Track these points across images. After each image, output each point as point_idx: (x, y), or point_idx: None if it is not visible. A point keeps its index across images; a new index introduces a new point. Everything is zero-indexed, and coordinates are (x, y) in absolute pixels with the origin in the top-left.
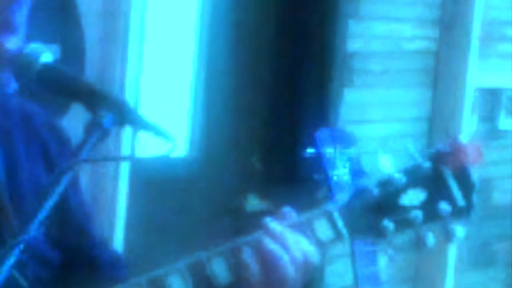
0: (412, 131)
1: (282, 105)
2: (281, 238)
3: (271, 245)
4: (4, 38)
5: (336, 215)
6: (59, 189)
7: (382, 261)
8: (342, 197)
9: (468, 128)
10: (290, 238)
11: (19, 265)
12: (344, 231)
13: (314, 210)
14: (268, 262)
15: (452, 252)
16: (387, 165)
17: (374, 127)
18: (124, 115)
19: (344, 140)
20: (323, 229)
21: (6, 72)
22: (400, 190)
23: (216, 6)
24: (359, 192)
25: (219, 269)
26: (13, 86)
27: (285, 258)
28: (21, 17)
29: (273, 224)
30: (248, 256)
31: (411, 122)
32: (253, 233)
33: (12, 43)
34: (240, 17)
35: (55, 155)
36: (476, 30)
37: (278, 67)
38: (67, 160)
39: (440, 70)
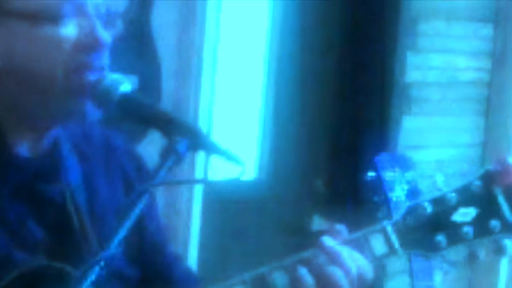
0: (466, 155)
1: (345, 131)
2: (335, 254)
3: (325, 260)
4: (85, 73)
5: (390, 230)
6: (137, 210)
7: (438, 276)
8: (397, 214)
9: None
10: (344, 254)
11: (99, 282)
12: (397, 246)
13: (369, 227)
14: (323, 277)
15: (504, 267)
16: (440, 184)
17: (431, 152)
18: (197, 141)
19: (402, 164)
20: (378, 245)
21: (89, 101)
22: (452, 207)
23: (284, 40)
24: (413, 209)
25: (280, 282)
26: (96, 115)
27: (340, 273)
28: None
29: (327, 241)
30: (304, 271)
31: (465, 147)
32: (310, 250)
33: (93, 74)
34: (306, 49)
35: (132, 178)
36: None
37: (342, 95)
38: (143, 183)
39: (492, 99)
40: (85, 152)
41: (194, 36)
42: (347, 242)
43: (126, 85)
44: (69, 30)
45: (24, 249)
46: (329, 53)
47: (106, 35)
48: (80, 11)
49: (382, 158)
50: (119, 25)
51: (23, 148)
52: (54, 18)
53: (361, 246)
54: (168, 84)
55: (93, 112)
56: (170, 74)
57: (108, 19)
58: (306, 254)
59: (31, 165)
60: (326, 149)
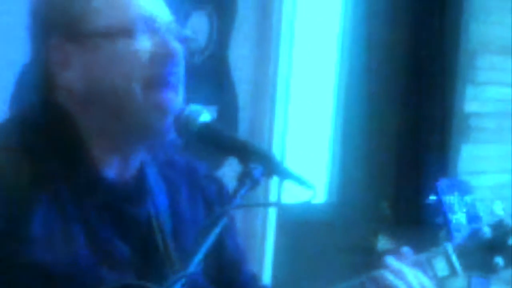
0: None
1: (409, 157)
2: (400, 273)
3: (392, 279)
4: (164, 91)
5: (452, 253)
6: (217, 231)
7: None
8: (459, 237)
9: None
10: (409, 273)
11: None
12: (459, 268)
13: (433, 249)
14: None
15: None
16: (499, 210)
17: (488, 177)
18: (271, 167)
19: (461, 188)
20: (440, 266)
21: (173, 131)
22: (510, 232)
23: (352, 71)
24: (474, 233)
25: None
26: (177, 141)
27: None
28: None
29: (393, 261)
30: None
31: None
32: (377, 270)
33: (171, 95)
34: (373, 80)
35: (213, 201)
36: None
37: (406, 123)
38: (223, 206)
39: None
40: (169, 176)
41: (268, 69)
42: (412, 263)
43: (205, 115)
44: (143, 43)
45: (112, 267)
46: (394, 84)
47: (177, 46)
48: (151, 27)
49: (442, 183)
50: (198, 58)
51: (111, 171)
52: (129, 33)
53: (424, 267)
54: (244, 114)
55: (176, 142)
56: (246, 104)
57: (179, 36)
58: (373, 273)
59: (119, 188)
60: (391, 174)
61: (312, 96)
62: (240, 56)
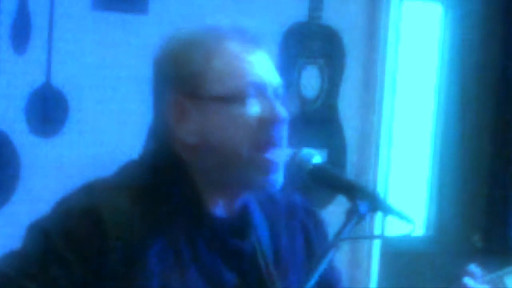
0: None
1: (498, 194)
2: None
3: None
4: (269, 151)
5: None
6: (326, 261)
7: None
8: None
9: None
10: None
11: None
12: None
13: (506, 268)
14: None
15: None
16: None
17: None
18: (376, 203)
19: None
20: (510, 282)
21: (278, 174)
22: None
23: (447, 118)
24: None
25: None
26: (281, 183)
27: None
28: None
29: (469, 281)
30: None
31: None
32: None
33: (275, 155)
34: (466, 128)
35: (311, 232)
36: None
37: (497, 160)
38: (322, 240)
39: None
40: (270, 212)
41: (373, 116)
42: (485, 281)
43: (317, 157)
44: (253, 108)
45: None
46: (486, 124)
47: (284, 111)
48: (261, 93)
49: None
50: (308, 108)
51: (218, 209)
52: (242, 100)
53: (496, 283)
54: (351, 157)
55: (278, 183)
56: (354, 148)
57: (285, 99)
58: None
59: (225, 223)
60: (483, 208)
61: (412, 140)
62: (348, 104)
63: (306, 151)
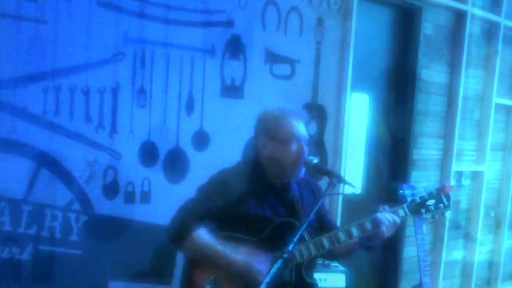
0: None
1: (394, 172)
2: (384, 215)
3: (381, 218)
4: (299, 165)
5: (405, 207)
6: (322, 201)
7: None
8: (408, 201)
9: None
10: (388, 215)
11: (307, 228)
12: (409, 213)
13: (398, 206)
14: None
15: None
16: (423, 193)
17: (422, 184)
18: (340, 179)
19: (411, 186)
20: (401, 212)
21: (302, 171)
22: (426, 199)
23: (371, 133)
24: (413, 200)
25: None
26: (303, 172)
27: (387, 221)
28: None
29: (381, 211)
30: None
31: None
32: (372, 216)
33: (302, 163)
34: (382, 137)
35: (315, 192)
36: None
37: (393, 156)
38: (320, 194)
39: None
40: (299, 183)
41: (340, 142)
42: (389, 212)
43: (316, 159)
44: (293, 146)
45: (278, 216)
46: (388, 134)
47: (306, 148)
48: (298, 139)
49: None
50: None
51: (278, 183)
52: (290, 143)
53: (395, 213)
54: (330, 161)
55: (303, 172)
56: (330, 156)
57: (308, 142)
58: (370, 217)
59: (280, 188)
60: (386, 179)
61: (355, 150)
62: (328, 138)
63: (310, 157)
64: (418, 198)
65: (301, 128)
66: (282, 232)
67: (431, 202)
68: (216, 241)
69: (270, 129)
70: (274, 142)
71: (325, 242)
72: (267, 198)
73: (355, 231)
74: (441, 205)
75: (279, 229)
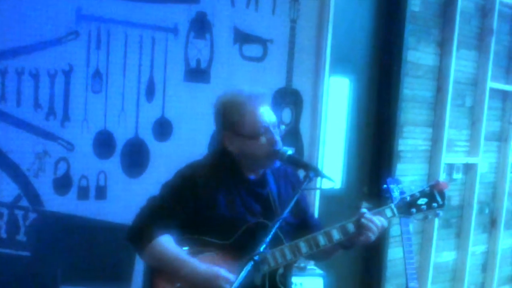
0: None
1: (377, 165)
2: (370, 217)
3: (366, 220)
4: (272, 156)
5: (393, 207)
6: (296, 197)
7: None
8: (396, 200)
9: None
10: (374, 217)
11: (281, 226)
12: (396, 213)
13: (384, 206)
14: (366, 227)
15: None
16: (413, 191)
17: (409, 178)
18: (317, 173)
19: (397, 181)
20: (388, 213)
21: (276, 161)
22: (416, 198)
23: (352, 124)
24: (402, 199)
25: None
26: (278, 164)
27: (373, 225)
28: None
29: (364, 211)
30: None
31: None
32: (356, 217)
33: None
34: (363, 129)
35: (294, 184)
36: None
37: (375, 149)
38: (299, 188)
39: None
40: (275, 175)
41: (316, 133)
42: (375, 213)
43: (290, 151)
44: (263, 139)
45: (252, 215)
46: (370, 128)
47: (278, 137)
48: (267, 130)
49: (389, 180)
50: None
51: (252, 176)
52: (258, 136)
53: (381, 214)
54: (306, 152)
55: (277, 163)
56: (307, 147)
57: (279, 130)
58: (354, 219)
59: (255, 182)
60: (368, 173)
61: (334, 141)
62: (303, 126)
63: (285, 148)
64: (408, 197)
65: (267, 114)
66: (255, 235)
67: (423, 201)
68: (179, 248)
69: (233, 124)
70: (239, 137)
71: (303, 246)
72: (241, 195)
73: (336, 235)
74: (435, 204)
75: (252, 231)
